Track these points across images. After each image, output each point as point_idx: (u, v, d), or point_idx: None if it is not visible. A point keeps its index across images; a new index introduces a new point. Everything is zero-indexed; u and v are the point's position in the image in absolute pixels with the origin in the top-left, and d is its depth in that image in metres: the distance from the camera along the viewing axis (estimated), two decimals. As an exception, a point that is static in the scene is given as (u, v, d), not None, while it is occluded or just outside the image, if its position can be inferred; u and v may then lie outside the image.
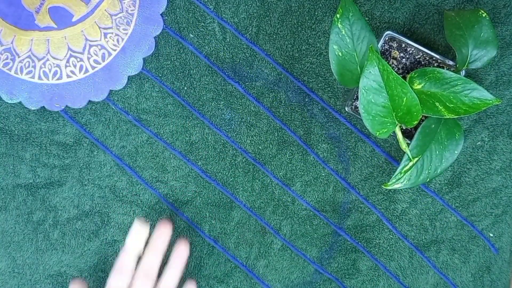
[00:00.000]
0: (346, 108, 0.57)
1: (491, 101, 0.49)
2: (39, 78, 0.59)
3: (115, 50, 0.59)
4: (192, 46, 0.60)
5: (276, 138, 0.61)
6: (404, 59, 0.56)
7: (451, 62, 0.55)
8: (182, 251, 0.58)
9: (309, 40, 0.59)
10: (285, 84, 0.60)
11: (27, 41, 0.58)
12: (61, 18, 0.58)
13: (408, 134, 0.55)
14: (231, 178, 0.62)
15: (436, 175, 0.52)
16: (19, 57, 0.58)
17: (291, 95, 0.60)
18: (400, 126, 0.52)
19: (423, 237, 0.62)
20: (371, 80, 0.49)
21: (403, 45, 0.55)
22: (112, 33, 0.59)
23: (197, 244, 0.62)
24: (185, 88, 0.61)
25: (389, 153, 0.61)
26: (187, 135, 0.61)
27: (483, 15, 0.51)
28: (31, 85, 0.59)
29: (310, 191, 0.62)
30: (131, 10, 0.59)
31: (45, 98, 0.59)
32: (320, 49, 0.60)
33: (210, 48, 0.60)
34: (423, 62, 0.56)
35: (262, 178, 0.62)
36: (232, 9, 0.59)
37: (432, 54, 0.55)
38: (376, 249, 0.62)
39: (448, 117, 0.50)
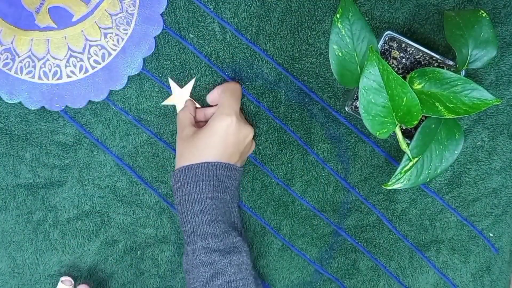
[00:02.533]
0: (346, 108, 0.57)
1: (491, 101, 0.49)
2: (39, 78, 0.59)
3: (115, 50, 0.59)
4: (192, 46, 0.60)
5: (276, 138, 0.61)
6: (404, 59, 0.56)
7: (451, 62, 0.55)
8: None
9: (309, 40, 0.59)
10: (285, 84, 0.60)
11: (27, 41, 0.58)
12: (61, 18, 0.58)
13: (408, 134, 0.55)
14: (231, 178, 0.61)
15: (436, 175, 0.52)
16: (19, 57, 0.58)
17: (291, 95, 0.60)
18: (400, 126, 0.52)
19: (423, 237, 0.62)
20: (371, 80, 0.49)
21: (403, 45, 0.55)
22: (112, 33, 0.59)
23: (197, 244, 0.62)
24: (185, 88, 0.61)
25: (389, 153, 0.61)
26: (187, 135, 0.61)
27: (483, 15, 0.51)
28: (31, 85, 0.59)
29: (310, 191, 0.62)
30: (131, 10, 0.59)
31: (45, 98, 0.59)
32: (320, 49, 0.60)
33: (210, 48, 0.60)
34: (423, 62, 0.56)
35: (262, 178, 0.62)
36: (232, 9, 0.59)
37: (432, 54, 0.55)
38: (376, 249, 0.62)
39: (448, 117, 0.50)
